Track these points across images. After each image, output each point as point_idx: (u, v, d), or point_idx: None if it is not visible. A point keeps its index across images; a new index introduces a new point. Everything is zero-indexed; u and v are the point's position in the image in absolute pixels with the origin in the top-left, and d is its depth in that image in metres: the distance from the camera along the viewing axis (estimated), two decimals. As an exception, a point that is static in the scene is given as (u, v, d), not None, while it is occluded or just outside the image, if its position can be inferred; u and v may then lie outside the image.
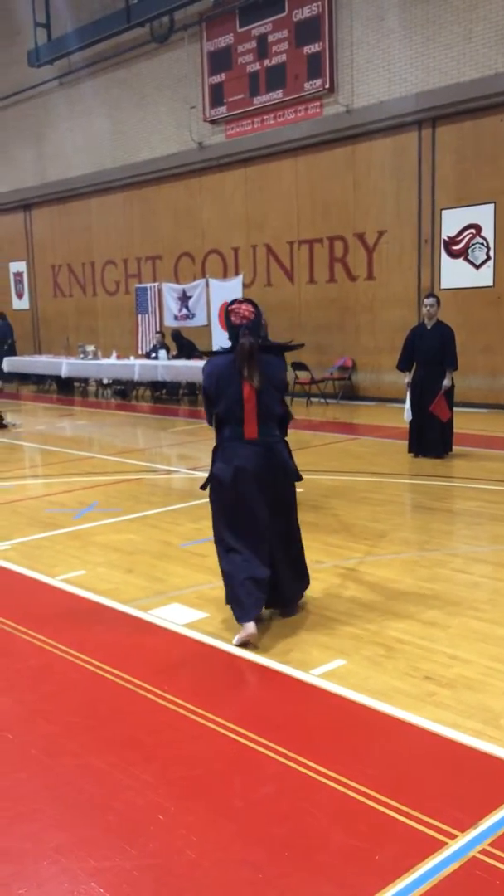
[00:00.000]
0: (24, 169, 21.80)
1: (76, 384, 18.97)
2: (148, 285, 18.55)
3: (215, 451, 4.44)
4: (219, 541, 4.47)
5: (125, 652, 4.21)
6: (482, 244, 13.29)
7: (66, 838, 2.71)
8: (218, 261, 17.47)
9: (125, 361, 16.80)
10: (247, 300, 4.40)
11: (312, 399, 14.97)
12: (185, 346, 16.49)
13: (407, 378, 9.47)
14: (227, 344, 4.40)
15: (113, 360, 17.22)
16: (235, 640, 4.24)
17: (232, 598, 4.34)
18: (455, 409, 9.44)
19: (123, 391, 17.57)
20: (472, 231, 13.37)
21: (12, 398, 17.93)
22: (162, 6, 16.66)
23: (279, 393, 4.45)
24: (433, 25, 13.24)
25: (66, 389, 18.81)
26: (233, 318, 4.30)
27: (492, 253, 13.19)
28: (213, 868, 2.54)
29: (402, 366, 9.53)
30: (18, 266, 23.21)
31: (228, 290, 15.96)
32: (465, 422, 10.75)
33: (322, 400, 15.08)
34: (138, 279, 19.24)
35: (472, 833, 2.67)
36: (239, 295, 15.17)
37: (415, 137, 13.85)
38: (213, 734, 3.36)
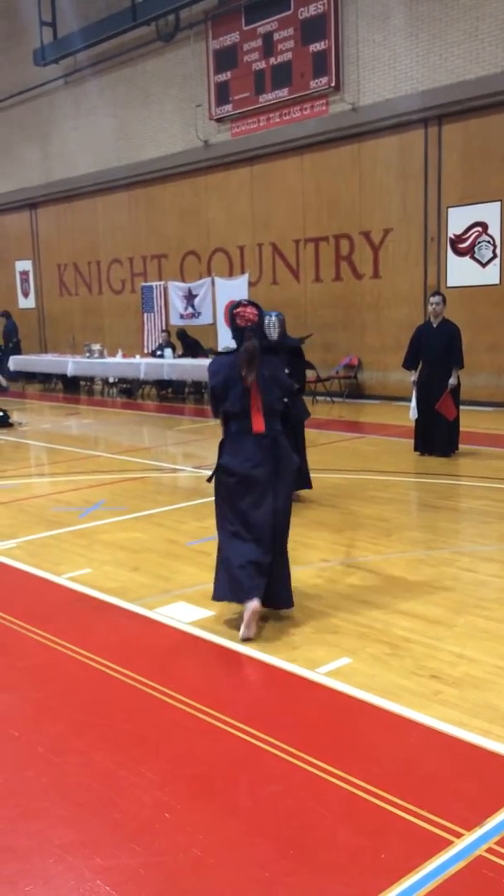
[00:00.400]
0: (29, 168, 21.82)
1: (82, 383, 18.98)
2: (154, 284, 18.54)
3: (222, 444, 4.54)
4: (221, 528, 4.53)
5: (131, 650, 4.22)
6: (488, 242, 13.26)
7: (72, 836, 2.71)
8: (224, 259, 17.47)
9: (131, 360, 16.81)
10: (250, 303, 4.55)
11: (318, 397, 14.95)
12: (190, 345, 16.50)
13: (413, 376, 9.44)
14: (233, 345, 4.54)
15: (119, 358, 17.25)
16: (241, 633, 4.26)
17: (230, 582, 4.36)
18: (461, 407, 9.41)
19: (129, 390, 17.58)
20: (479, 229, 13.34)
21: (18, 397, 17.97)
22: (167, 5, 16.65)
23: (280, 391, 4.63)
24: (439, 23, 13.21)
25: (72, 388, 18.83)
26: (238, 321, 4.45)
27: (498, 251, 13.16)
28: (219, 866, 2.54)
29: (408, 364, 9.51)
30: (24, 265, 23.25)
31: (234, 288, 15.94)
32: (471, 420, 10.72)
33: (328, 398, 15.06)
34: (144, 278, 19.25)
35: (479, 832, 2.67)
36: (245, 293, 15.18)
37: (421, 135, 13.82)
38: (220, 732, 3.36)
